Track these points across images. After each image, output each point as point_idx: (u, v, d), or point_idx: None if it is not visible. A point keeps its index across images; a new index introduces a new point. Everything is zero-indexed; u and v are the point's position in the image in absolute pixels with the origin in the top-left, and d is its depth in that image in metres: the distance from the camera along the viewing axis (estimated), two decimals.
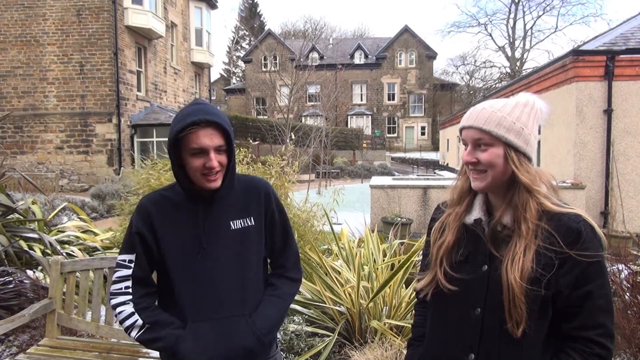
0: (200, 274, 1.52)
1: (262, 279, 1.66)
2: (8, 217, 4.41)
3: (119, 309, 1.52)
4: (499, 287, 1.25)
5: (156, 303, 1.58)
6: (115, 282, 1.54)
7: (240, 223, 1.58)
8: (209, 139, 1.44)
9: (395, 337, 2.85)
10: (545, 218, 1.26)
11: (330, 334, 3.16)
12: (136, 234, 1.53)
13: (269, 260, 1.73)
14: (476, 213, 1.37)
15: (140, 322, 1.50)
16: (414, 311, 1.62)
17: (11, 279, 3.54)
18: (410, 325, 3.09)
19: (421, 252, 3.96)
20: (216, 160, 1.46)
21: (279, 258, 1.71)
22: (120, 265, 1.54)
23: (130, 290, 1.53)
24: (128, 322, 1.50)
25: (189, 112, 1.45)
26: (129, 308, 1.51)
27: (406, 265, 3.44)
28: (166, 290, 1.56)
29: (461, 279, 1.34)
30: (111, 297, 1.54)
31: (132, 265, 1.53)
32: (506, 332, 1.25)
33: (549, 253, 1.21)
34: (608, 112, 9.09)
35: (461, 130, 1.36)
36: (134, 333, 1.50)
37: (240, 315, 1.54)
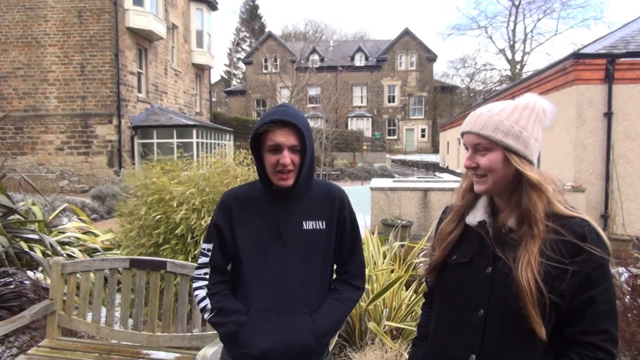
0: (270, 267, 1.61)
1: (327, 282, 1.72)
2: (9, 218, 4.41)
3: (196, 292, 1.67)
4: (503, 289, 1.25)
5: (228, 290, 1.68)
6: (197, 268, 1.70)
7: (313, 224, 1.65)
8: (284, 137, 1.55)
9: (388, 340, 2.84)
10: (551, 219, 1.26)
11: None
12: (214, 225, 1.68)
13: (334, 267, 1.79)
14: (480, 214, 1.38)
15: (210, 306, 1.64)
16: (420, 311, 1.65)
17: (12, 279, 3.55)
18: (410, 328, 3.10)
19: (421, 254, 3.97)
20: (289, 158, 1.55)
21: (345, 264, 1.77)
22: (202, 254, 1.69)
23: (207, 276, 1.68)
24: (202, 305, 1.65)
25: (271, 113, 1.59)
26: (202, 292, 1.66)
27: (405, 269, 3.45)
28: (238, 278, 1.68)
29: (464, 280, 1.35)
30: (193, 280, 1.70)
31: (210, 253, 1.68)
32: (508, 333, 1.26)
33: (555, 256, 1.22)
34: (608, 115, 9.10)
35: (462, 134, 1.39)
36: (206, 315, 1.65)
37: (301, 312, 1.60)
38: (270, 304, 1.59)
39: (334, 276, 1.80)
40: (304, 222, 1.64)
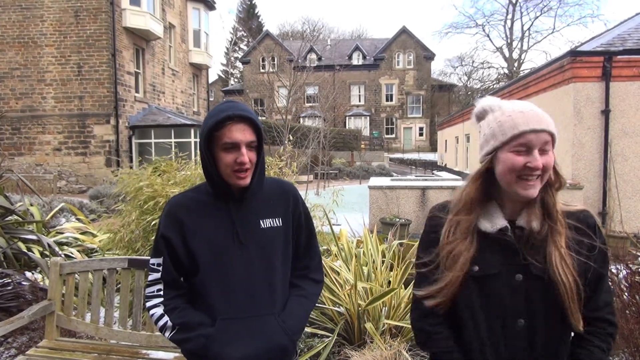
0: (232, 272, 1.55)
1: (287, 279, 1.68)
2: (6, 218, 4.40)
3: (152, 311, 1.57)
4: (540, 293, 1.25)
5: (187, 303, 1.59)
6: (148, 285, 1.60)
7: (270, 222, 1.61)
8: (241, 133, 1.48)
9: (381, 342, 2.84)
10: (562, 214, 1.30)
11: (330, 334, 3.16)
12: (162, 238, 1.57)
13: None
14: (499, 221, 1.30)
15: (170, 323, 1.54)
16: (428, 328, 1.42)
17: (9, 280, 3.53)
18: (409, 326, 3.09)
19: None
20: (247, 155, 1.49)
21: (303, 259, 1.73)
22: (151, 269, 1.59)
23: (161, 292, 1.57)
24: (160, 323, 1.55)
25: (221, 109, 1.50)
26: (160, 310, 1.56)
27: (404, 267, 3.45)
28: (197, 289, 1.58)
29: (494, 292, 1.29)
30: (146, 299, 1.60)
31: (160, 268, 1.57)
32: (552, 334, 1.27)
33: (580, 249, 1.26)
34: (605, 112, 9.12)
35: (521, 134, 1.25)
36: (167, 334, 1.55)
37: (269, 314, 1.56)
38: (236, 311, 1.53)
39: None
40: (261, 221, 1.59)
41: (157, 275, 1.57)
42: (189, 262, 1.56)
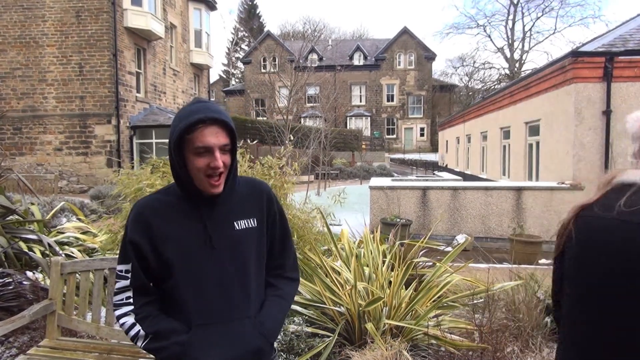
0: (205, 276, 1.49)
1: (262, 280, 1.65)
2: (7, 218, 4.40)
3: (122, 320, 1.50)
4: None
5: (158, 310, 1.53)
6: (116, 293, 1.52)
7: (245, 224, 1.55)
8: (214, 137, 1.41)
9: (381, 342, 2.84)
10: None
11: (331, 334, 3.16)
12: (130, 243, 1.49)
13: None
14: None
15: (142, 332, 1.47)
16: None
17: (11, 280, 3.54)
18: (409, 326, 3.10)
19: (420, 253, 3.96)
20: (221, 159, 1.42)
21: (278, 259, 1.69)
22: (119, 276, 1.51)
23: (131, 300, 1.50)
24: (132, 333, 1.48)
25: (192, 110, 1.42)
26: (130, 319, 1.49)
27: (405, 267, 3.45)
28: (169, 295, 1.52)
29: None
30: (114, 308, 1.53)
31: (129, 275, 1.50)
32: None
33: None
34: (607, 113, 9.11)
35: None
36: (139, 343, 1.48)
37: (245, 317, 1.52)
38: (211, 316, 1.48)
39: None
40: (235, 223, 1.53)
41: (126, 282, 1.49)
42: (159, 268, 1.49)
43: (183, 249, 1.48)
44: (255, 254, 1.58)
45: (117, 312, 1.51)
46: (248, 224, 1.56)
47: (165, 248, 1.47)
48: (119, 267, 1.51)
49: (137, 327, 1.47)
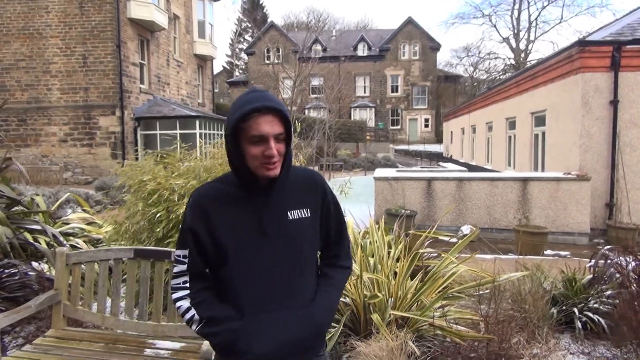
0: (258, 265, 1.51)
1: (315, 271, 1.66)
2: (12, 209, 4.41)
3: (178, 304, 1.54)
4: None
5: (213, 296, 1.56)
6: (174, 277, 1.57)
7: (298, 213, 1.57)
8: (269, 126, 1.43)
9: (387, 333, 2.83)
10: None
11: (336, 325, 3.16)
12: (187, 229, 1.53)
13: (319, 253, 1.73)
14: None
15: (197, 316, 1.51)
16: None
17: (16, 270, 3.55)
18: (415, 317, 3.09)
19: (425, 244, 3.94)
20: (275, 148, 1.44)
21: (334, 248, 1.71)
22: (177, 261, 1.56)
23: (187, 285, 1.55)
24: (187, 316, 1.52)
25: (247, 100, 1.44)
26: (186, 303, 1.53)
27: (411, 258, 3.44)
28: (224, 282, 1.55)
29: None
30: (172, 291, 1.57)
31: (187, 260, 1.54)
32: None
33: None
34: (614, 103, 9.03)
35: None
36: (193, 327, 1.52)
37: (297, 307, 1.53)
38: (264, 304, 1.50)
39: (319, 261, 1.74)
40: (288, 213, 1.55)
41: (183, 267, 1.55)
42: (215, 254, 1.53)
43: (237, 236, 1.51)
44: (308, 244, 1.59)
45: (174, 295, 1.55)
46: (301, 214, 1.57)
47: (221, 235, 1.51)
48: (177, 252, 1.56)
49: (192, 312, 1.51)
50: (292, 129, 1.53)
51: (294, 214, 1.56)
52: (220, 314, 1.50)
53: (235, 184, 1.55)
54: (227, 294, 1.54)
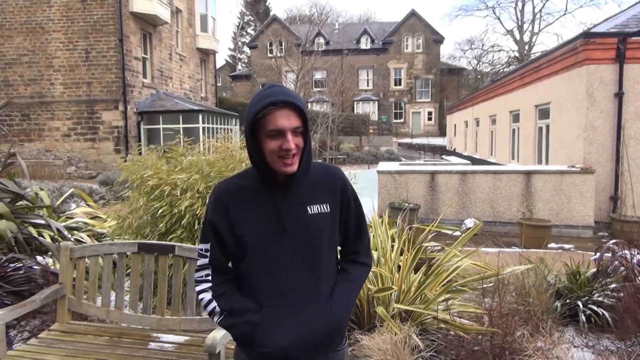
0: (277, 259, 1.53)
1: (334, 266, 1.67)
2: (17, 204, 4.42)
3: (200, 296, 1.59)
4: None
5: (234, 289, 1.60)
6: (197, 270, 1.62)
7: (317, 209, 1.58)
8: (286, 119, 1.44)
9: (394, 325, 2.83)
10: None
11: None
12: (209, 224, 1.57)
13: (339, 248, 1.73)
14: None
15: (218, 309, 1.56)
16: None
17: (21, 265, 3.56)
18: (419, 310, 3.09)
19: (429, 237, 3.93)
20: (293, 142, 1.45)
21: (353, 244, 1.71)
22: (200, 255, 1.60)
23: (210, 277, 1.59)
24: (209, 308, 1.57)
25: (265, 94, 1.46)
26: (208, 295, 1.58)
27: (415, 251, 3.43)
28: (244, 275, 1.59)
29: None
30: (195, 284, 1.62)
31: (208, 254, 1.58)
32: None
33: None
34: (619, 95, 8.96)
35: None
36: (215, 319, 1.57)
37: (315, 302, 1.55)
38: (282, 298, 1.53)
39: (339, 257, 1.75)
40: (308, 207, 1.56)
41: (205, 260, 1.59)
42: (235, 248, 1.57)
43: (257, 231, 1.53)
44: (327, 239, 1.60)
45: (197, 288, 1.60)
46: (321, 209, 1.58)
47: (241, 230, 1.54)
48: (200, 246, 1.61)
49: (214, 304, 1.56)
50: (309, 123, 1.53)
51: (313, 209, 1.57)
52: (240, 306, 1.54)
53: (255, 179, 1.57)
54: (247, 287, 1.58)
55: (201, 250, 1.60)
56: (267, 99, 1.43)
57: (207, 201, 1.63)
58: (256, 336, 1.50)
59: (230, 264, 1.63)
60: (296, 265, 1.54)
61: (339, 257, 1.74)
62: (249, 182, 1.58)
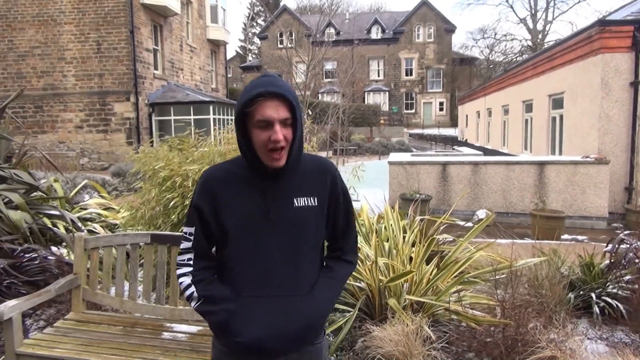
0: (258, 249, 1.52)
1: (317, 261, 1.64)
2: (31, 195, 4.48)
3: (180, 280, 1.58)
4: None
5: (214, 276, 1.59)
6: (180, 254, 1.61)
7: (304, 201, 1.55)
8: (274, 110, 1.43)
9: (407, 317, 2.82)
10: None
11: (351, 309, 3.17)
12: (194, 207, 1.56)
13: (326, 244, 1.71)
14: None
15: (196, 294, 1.54)
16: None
17: (36, 255, 3.61)
18: (431, 302, 3.08)
19: (441, 228, 3.91)
20: (281, 133, 1.43)
21: (339, 241, 1.69)
22: (184, 238, 1.59)
23: (191, 262, 1.58)
24: (187, 293, 1.56)
25: (255, 84, 1.46)
26: (187, 279, 1.57)
27: (427, 243, 3.41)
28: (225, 263, 1.58)
29: None
30: (177, 267, 1.61)
31: (192, 238, 1.57)
32: None
33: None
34: (635, 84, 8.81)
35: None
36: (192, 304, 1.55)
37: (294, 295, 1.52)
38: (260, 289, 1.51)
39: (325, 252, 1.72)
40: (295, 200, 1.54)
41: (189, 244, 1.58)
42: (218, 234, 1.56)
43: (240, 219, 1.52)
44: (312, 233, 1.58)
45: (178, 272, 1.59)
46: (308, 202, 1.56)
47: (225, 216, 1.53)
48: (185, 229, 1.60)
49: (192, 289, 1.55)
50: (301, 114, 1.51)
51: (300, 202, 1.54)
52: (218, 294, 1.53)
53: (245, 166, 1.55)
54: (228, 275, 1.56)
55: (185, 233, 1.58)
56: (256, 90, 1.43)
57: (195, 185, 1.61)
58: (231, 325, 1.49)
59: (213, 250, 1.62)
60: (278, 257, 1.51)
61: (324, 252, 1.71)
62: (240, 169, 1.57)
